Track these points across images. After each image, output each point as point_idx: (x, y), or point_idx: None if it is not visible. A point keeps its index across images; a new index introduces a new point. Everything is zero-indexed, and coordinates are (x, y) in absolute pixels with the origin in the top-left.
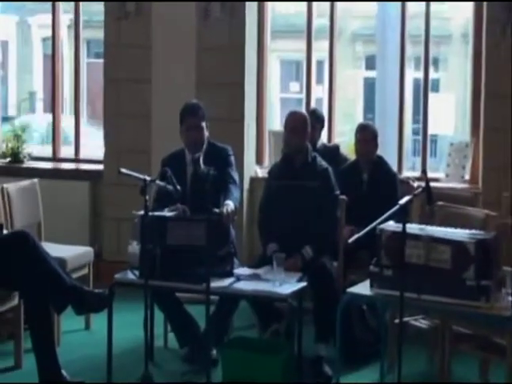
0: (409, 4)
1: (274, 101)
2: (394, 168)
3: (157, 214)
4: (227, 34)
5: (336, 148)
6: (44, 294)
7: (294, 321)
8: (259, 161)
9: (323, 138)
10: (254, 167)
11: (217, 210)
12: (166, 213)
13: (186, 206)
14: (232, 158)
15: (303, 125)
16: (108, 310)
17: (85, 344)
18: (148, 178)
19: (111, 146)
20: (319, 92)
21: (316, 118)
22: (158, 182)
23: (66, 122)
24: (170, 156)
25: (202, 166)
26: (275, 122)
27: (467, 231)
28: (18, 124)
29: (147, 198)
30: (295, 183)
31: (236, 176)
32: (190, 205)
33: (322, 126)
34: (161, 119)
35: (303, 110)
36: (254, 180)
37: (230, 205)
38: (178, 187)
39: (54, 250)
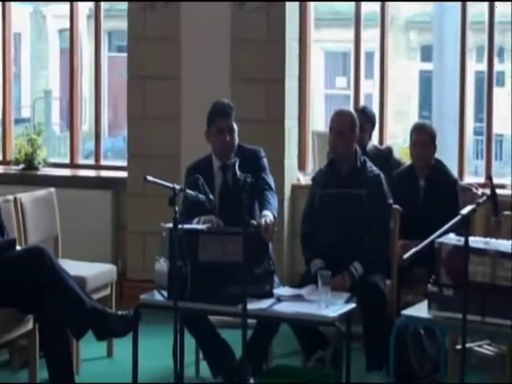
0: None
1: (318, 98)
2: (455, 173)
3: (187, 226)
4: (265, 24)
5: (388, 151)
6: (61, 318)
7: (342, 347)
8: (302, 166)
9: (374, 139)
10: (296, 173)
11: (254, 222)
12: (196, 224)
13: (219, 219)
14: (265, 161)
15: (351, 126)
16: (133, 335)
17: (107, 373)
18: (178, 187)
19: (136, 150)
20: (369, 87)
21: (366, 118)
22: (188, 191)
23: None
24: (196, 164)
25: (238, 172)
26: (319, 121)
27: None
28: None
29: (177, 209)
30: (343, 191)
31: (271, 181)
32: (219, 218)
33: (373, 126)
34: (191, 120)
35: (351, 108)
36: (295, 188)
37: (268, 216)
38: (211, 197)
39: (72, 267)
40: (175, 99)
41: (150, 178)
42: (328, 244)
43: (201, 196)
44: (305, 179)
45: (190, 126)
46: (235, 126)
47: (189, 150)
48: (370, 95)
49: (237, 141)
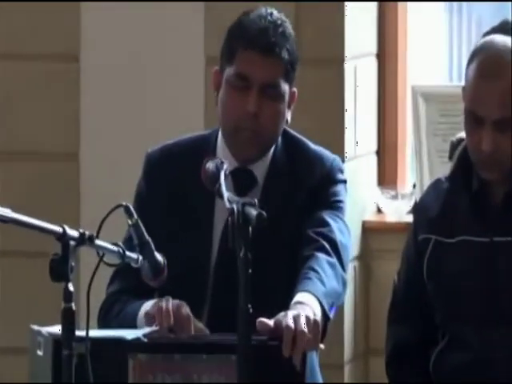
0: None
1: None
2: None
3: (102, 334)
4: None
5: None
6: None
7: None
8: (387, 175)
9: None
10: (375, 193)
11: (269, 323)
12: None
13: (187, 306)
14: (341, 190)
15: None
16: None
17: None
18: (73, 234)
19: None
20: None
21: None
22: (98, 241)
23: None
24: (167, 152)
25: (227, 194)
26: (433, 65)
27: None
28: None
29: (71, 287)
30: (492, 240)
31: (342, 234)
32: (216, 298)
33: None
34: (100, 81)
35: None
36: (371, 230)
37: (306, 307)
38: (160, 259)
39: None
40: (67, 42)
41: (7, 212)
42: (461, 365)
43: (110, 247)
44: (395, 207)
45: (99, 94)
46: (285, 87)
47: (98, 142)
48: None
49: (284, 121)
